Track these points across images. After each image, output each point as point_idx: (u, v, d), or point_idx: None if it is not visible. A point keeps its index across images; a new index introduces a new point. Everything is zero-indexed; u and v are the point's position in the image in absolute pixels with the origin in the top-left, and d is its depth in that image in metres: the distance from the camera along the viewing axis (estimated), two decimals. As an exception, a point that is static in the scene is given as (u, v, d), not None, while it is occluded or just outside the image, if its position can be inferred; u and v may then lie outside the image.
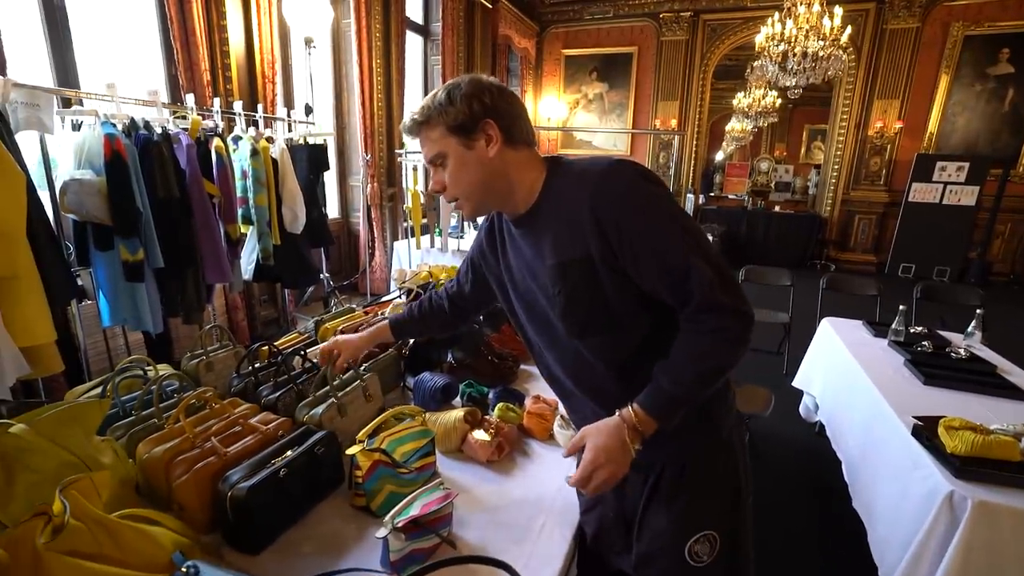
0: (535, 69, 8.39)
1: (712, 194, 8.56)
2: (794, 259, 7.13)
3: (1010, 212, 6.34)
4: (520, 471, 1.14)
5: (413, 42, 5.69)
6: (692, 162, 7.98)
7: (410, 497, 0.91)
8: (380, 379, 1.36)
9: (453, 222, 4.20)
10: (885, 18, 6.66)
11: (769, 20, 4.82)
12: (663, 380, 0.79)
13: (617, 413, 0.81)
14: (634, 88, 7.96)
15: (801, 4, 4.63)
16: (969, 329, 2.09)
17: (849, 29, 4.65)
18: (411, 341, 1.53)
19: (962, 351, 1.94)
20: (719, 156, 11.45)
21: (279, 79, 3.72)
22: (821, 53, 4.71)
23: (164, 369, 1.23)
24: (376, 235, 4.61)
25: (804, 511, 2.12)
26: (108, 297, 2.05)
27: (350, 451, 0.99)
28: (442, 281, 2.31)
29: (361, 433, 1.02)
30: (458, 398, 1.40)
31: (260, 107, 3.14)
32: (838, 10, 4.58)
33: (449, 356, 1.60)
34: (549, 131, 8.51)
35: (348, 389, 1.23)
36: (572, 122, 8.43)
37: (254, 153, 2.60)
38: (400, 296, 2.18)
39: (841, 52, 4.78)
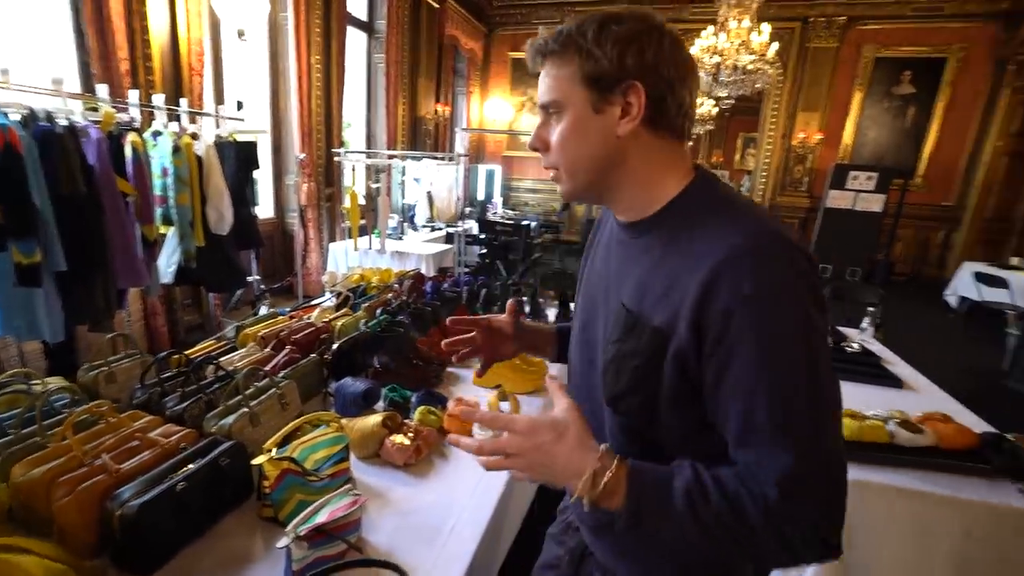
0: (482, 70, 8.42)
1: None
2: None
3: (910, 218, 6.98)
4: (436, 474, 1.15)
5: (356, 39, 5.58)
6: (632, 166, 8.28)
7: (317, 504, 0.91)
8: (300, 386, 1.34)
9: (392, 223, 4.16)
10: (809, 37, 7.14)
11: (704, 32, 5.07)
12: (678, 489, 0.55)
13: (605, 453, 0.58)
14: (578, 93, 8.15)
15: (733, 19, 4.90)
16: (863, 325, 2.29)
17: (776, 45, 4.95)
18: (334, 346, 1.51)
19: (855, 345, 2.13)
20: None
21: (208, 72, 3.55)
22: (750, 67, 5.00)
23: (56, 382, 1.16)
24: (311, 236, 4.49)
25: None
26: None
27: (256, 461, 0.97)
28: (374, 284, 2.29)
29: (269, 442, 1.00)
30: (380, 403, 1.40)
31: (185, 101, 2.99)
32: (766, 27, 4.87)
33: (375, 361, 1.59)
34: (495, 134, 8.56)
35: (263, 397, 1.20)
36: (518, 124, 8.52)
37: (176, 150, 2.47)
38: (330, 300, 2.14)
39: (768, 66, 5.08)
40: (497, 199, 8.08)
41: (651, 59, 0.59)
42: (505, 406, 1.46)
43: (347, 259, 3.72)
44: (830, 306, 0.56)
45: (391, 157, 4.55)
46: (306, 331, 1.59)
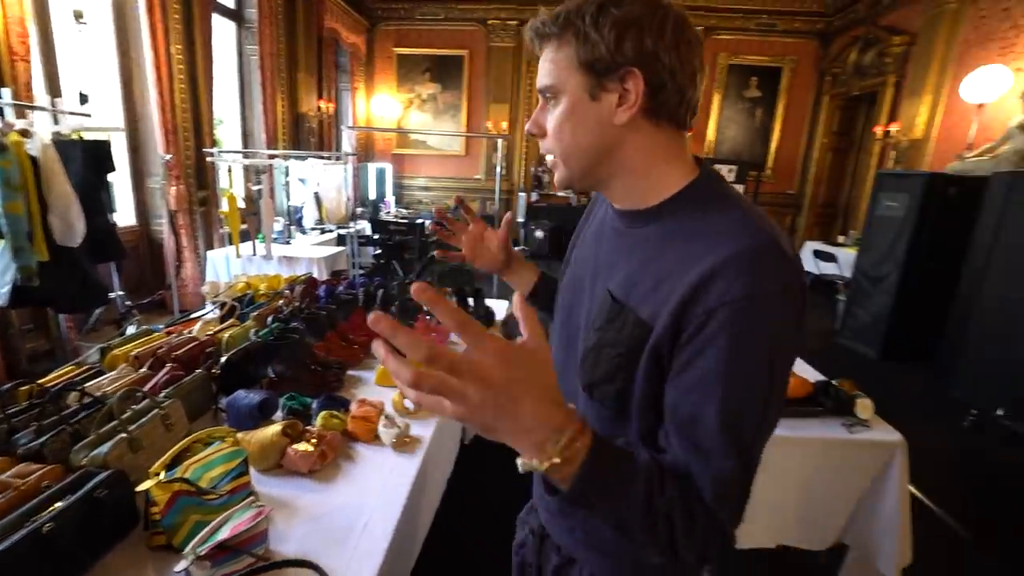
0: (366, 66, 8.15)
1: (542, 192, 9.22)
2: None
3: (764, 205, 7.92)
4: (344, 476, 1.15)
5: (224, 28, 5.14)
6: (522, 163, 8.52)
7: (217, 522, 0.87)
8: (187, 404, 1.25)
9: (278, 227, 3.92)
10: (671, 42, 7.84)
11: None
12: (639, 470, 0.53)
13: (577, 419, 0.49)
14: (467, 90, 8.21)
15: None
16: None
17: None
18: (222, 359, 1.42)
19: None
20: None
21: (36, 58, 3.07)
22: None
23: None
24: (185, 244, 4.09)
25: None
26: None
27: (141, 487, 0.90)
28: (262, 292, 2.17)
29: (155, 465, 0.94)
30: (279, 413, 1.35)
31: (8, 91, 2.57)
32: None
33: (270, 371, 1.53)
34: (384, 132, 8.35)
35: (143, 421, 1.11)
36: (406, 121, 8.39)
37: (2, 149, 2.14)
38: (213, 311, 1.99)
39: (637, 69, 5.51)
40: (390, 198, 7.91)
41: (651, 45, 0.56)
42: (409, 403, 1.48)
43: (229, 267, 3.45)
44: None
45: (272, 157, 4.28)
46: (188, 346, 1.48)
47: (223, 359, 1.42)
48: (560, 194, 9.30)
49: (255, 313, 1.81)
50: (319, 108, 6.67)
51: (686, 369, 0.55)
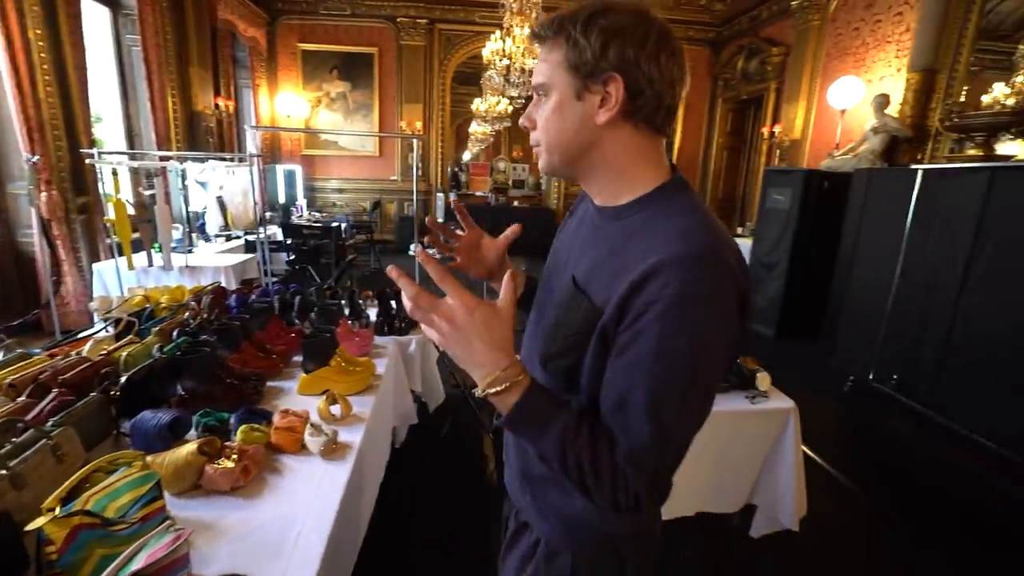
0: (268, 62, 7.69)
1: (461, 192, 9.23)
2: (534, 246, 8.23)
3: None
4: (271, 489, 1.10)
5: (97, 14, 4.63)
6: (439, 162, 8.46)
7: (128, 552, 0.80)
8: (80, 431, 1.13)
9: (177, 235, 3.61)
10: (579, 46, 8.16)
11: (492, 36, 5.42)
12: (559, 420, 0.62)
13: (518, 363, 0.63)
14: (378, 89, 8.00)
15: (517, 26, 5.33)
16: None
17: (553, 52, 5.53)
18: (122, 380, 1.30)
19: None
20: (466, 156, 12.37)
21: None
22: (535, 70, 5.51)
23: None
24: (63, 257, 3.64)
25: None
26: None
27: (31, 526, 0.81)
28: (164, 305, 2.01)
29: (49, 500, 0.85)
30: (193, 431, 1.26)
31: None
32: (543, 35, 5.41)
33: (179, 388, 1.42)
34: (291, 132, 7.93)
35: (28, 454, 0.99)
36: (315, 121, 8.03)
37: None
38: (105, 329, 1.81)
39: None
40: (301, 201, 7.53)
41: (632, 54, 0.61)
42: (336, 409, 1.44)
43: (121, 280, 3.12)
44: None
45: (165, 159, 3.92)
46: (79, 368, 1.33)
47: (123, 379, 1.29)
48: (479, 194, 9.36)
49: (157, 328, 1.66)
50: (217, 106, 6.20)
51: (623, 352, 0.61)
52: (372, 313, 2.37)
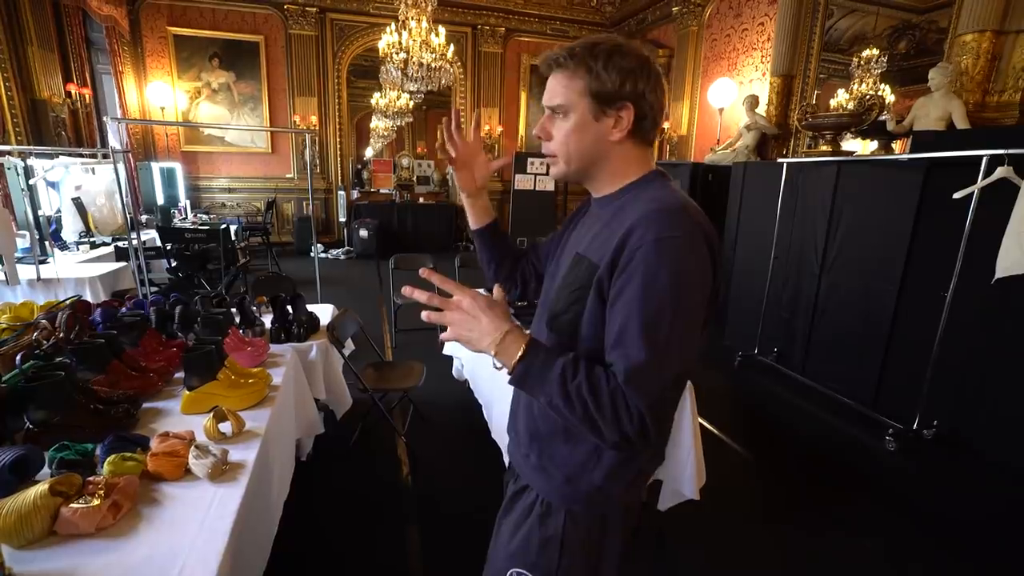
0: (133, 47, 6.86)
1: (364, 189, 8.88)
2: (440, 244, 8.14)
3: (574, 195, 8.86)
4: (148, 524, 0.97)
5: None
6: (339, 159, 8.07)
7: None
8: None
9: (23, 243, 3.11)
10: (479, 42, 8.17)
11: (388, 29, 5.25)
12: (558, 364, 0.73)
13: (517, 326, 0.75)
14: (266, 80, 7.45)
15: (412, 19, 5.20)
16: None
17: (452, 47, 5.49)
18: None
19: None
20: (369, 152, 11.92)
21: None
22: (433, 64, 5.42)
23: None
24: None
25: (463, 449, 2.53)
26: None
27: None
28: (4, 326, 1.72)
29: None
30: (46, 469, 1.08)
31: None
32: (442, 29, 5.34)
33: (25, 421, 1.22)
34: (164, 125, 7.15)
35: None
36: (195, 114, 7.30)
37: None
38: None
39: (449, 65, 5.60)
40: (184, 202, 6.83)
41: (642, 88, 0.78)
42: (226, 427, 1.32)
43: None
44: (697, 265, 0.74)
45: (0, 154, 3.34)
46: None
47: (-54, 416, 1.08)
48: (383, 191, 9.07)
49: (-5, 352, 1.41)
50: (69, 94, 5.42)
51: (619, 295, 0.74)
52: (267, 320, 2.20)
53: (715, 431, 2.86)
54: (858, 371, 3.09)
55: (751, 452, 2.71)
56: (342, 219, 8.06)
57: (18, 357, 1.39)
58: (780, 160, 3.64)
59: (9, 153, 3.22)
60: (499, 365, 0.76)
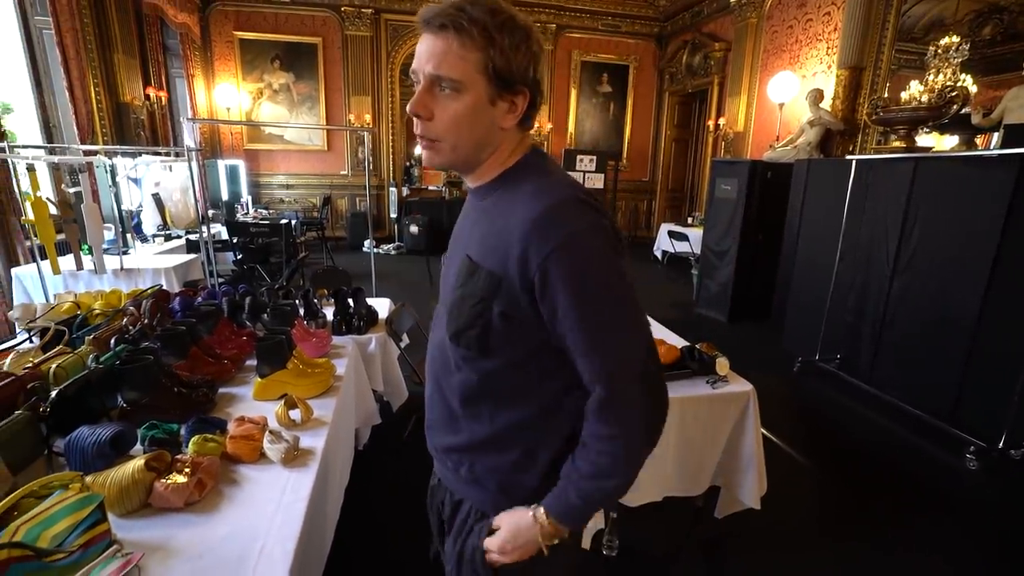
0: (203, 51, 7.26)
1: (414, 186, 9.05)
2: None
3: (623, 192, 8.74)
4: (229, 502, 1.03)
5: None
6: (391, 157, 8.26)
7: (71, 584, 0.73)
8: (6, 453, 1.02)
9: (109, 236, 3.35)
10: (529, 38, 8.16)
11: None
12: (570, 490, 0.74)
13: (532, 512, 0.77)
14: (323, 80, 7.72)
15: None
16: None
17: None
18: (52, 394, 1.18)
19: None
20: (418, 150, 12.14)
21: None
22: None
23: None
24: (-24, 262, 3.31)
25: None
26: None
27: (-46, 561, 0.72)
28: (98, 311, 1.85)
29: (-28, 532, 0.75)
30: (138, 445, 1.16)
31: None
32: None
33: (119, 400, 1.31)
34: (231, 124, 7.53)
35: (-57, 481, 0.89)
36: (257, 114, 7.66)
37: None
38: (30, 340, 1.65)
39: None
40: (246, 198, 7.18)
41: (539, 75, 0.73)
42: (296, 414, 1.37)
43: (46, 286, 2.86)
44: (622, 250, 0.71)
45: (90, 153, 3.62)
46: (0, 384, 1.20)
47: (53, 394, 1.18)
48: (432, 188, 9.21)
49: (91, 337, 1.53)
50: (148, 97, 5.80)
51: (554, 318, 0.69)
52: (328, 312, 2.28)
53: (773, 438, 2.75)
54: (934, 382, 2.89)
55: (810, 461, 2.59)
56: (393, 215, 8.25)
57: (111, 341, 1.50)
58: (848, 157, 3.45)
59: (98, 153, 3.48)
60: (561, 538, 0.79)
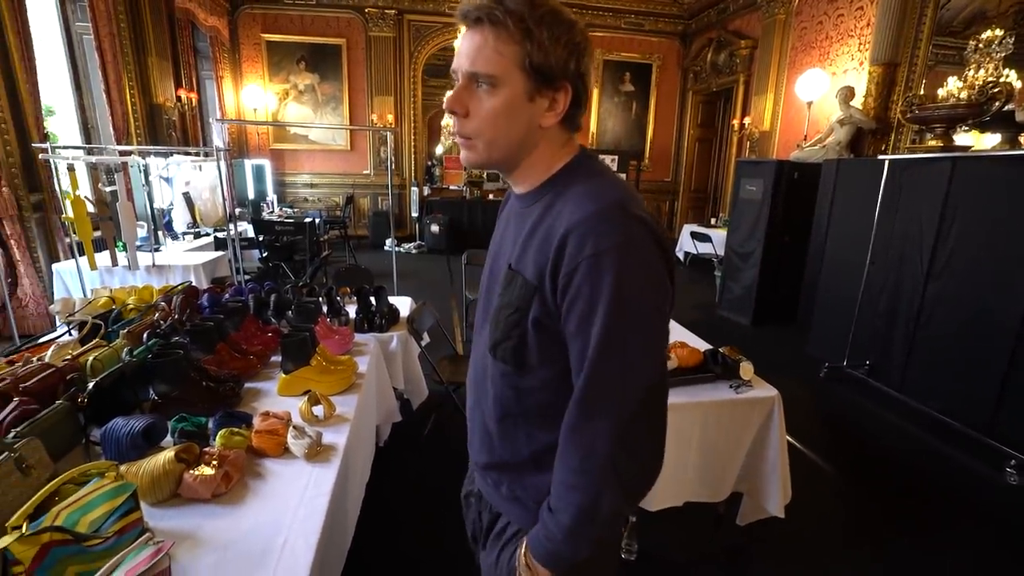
0: (232, 53, 7.44)
1: (435, 186, 9.11)
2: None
3: (645, 192, 8.63)
4: (254, 495, 1.05)
5: (42, 1, 4.39)
6: (412, 156, 8.33)
7: (106, 568, 0.76)
8: (47, 441, 1.06)
9: (142, 233, 3.46)
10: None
11: (462, 28, 5.34)
12: (549, 523, 0.70)
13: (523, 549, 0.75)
14: (347, 81, 7.82)
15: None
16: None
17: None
18: (89, 386, 1.23)
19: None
20: (439, 150, 12.22)
21: None
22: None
23: None
24: (19, 257, 3.45)
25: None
26: None
27: (-2, 544, 0.76)
28: (132, 306, 1.92)
29: (14, 518, 0.79)
30: (169, 437, 1.20)
31: None
32: (516, 27, 5.36)
33: (151, 393, 1.35)
34: (259, 125, 7.69)
35: (-11, 467, 0.93)
36: (283, 114, 7.81)
37: None
38: (69, 333, 1.72)
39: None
40: (271, 197, 7.32)
41: (584, 68, 0.68)
42: (319, 410, 1.40)
43: (84, 281, 2.97)
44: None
45: (125, 153, 3.74)
46: (42, 375, 1.26)
47: (91, 385, 1.22)
48: (453, 188, 9.27)
49: (126, 331, 1.58)
50: (179, 99, 5.96)
51: (569, 322, 0.65)
52: (351, 310, 2.32)
53: (797, 444, 2.69)
54: (970, 390, 2.79)
55: (836, 469, 2.52)
56: (414, 214, 8.32)
57: (144, 335, 1.54)
58: (881, 157, 3.35)
59: (133, 153, 3.60)
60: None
